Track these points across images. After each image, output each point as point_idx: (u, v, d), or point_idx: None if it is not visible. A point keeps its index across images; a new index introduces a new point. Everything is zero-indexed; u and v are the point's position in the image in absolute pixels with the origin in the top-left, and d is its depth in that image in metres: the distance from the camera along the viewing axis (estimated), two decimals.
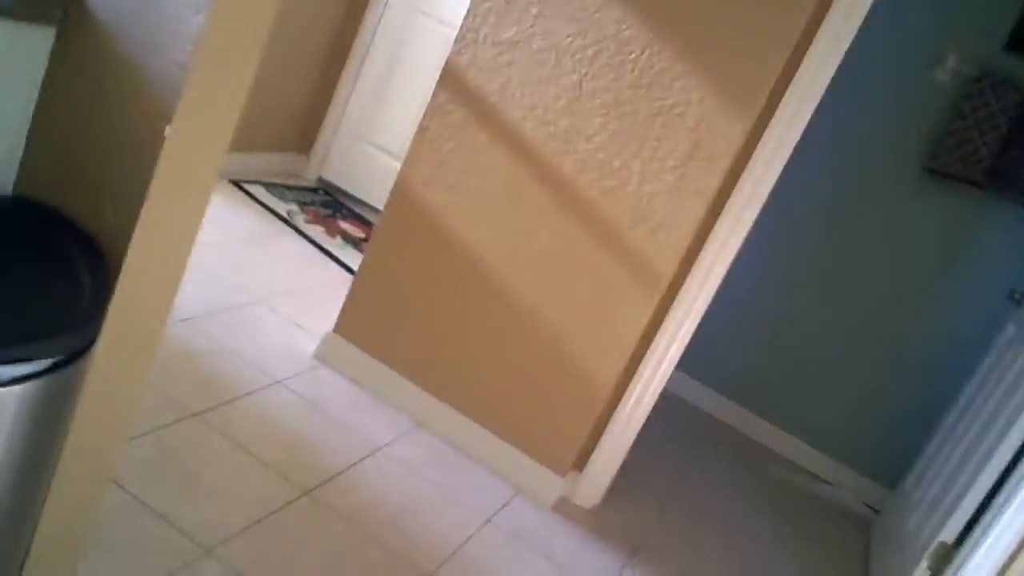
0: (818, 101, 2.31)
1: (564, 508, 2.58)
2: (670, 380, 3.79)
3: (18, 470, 1.18)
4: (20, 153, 1.10)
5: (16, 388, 0.95)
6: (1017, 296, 3.03)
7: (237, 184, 3.80)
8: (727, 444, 3.65)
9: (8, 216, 1.06)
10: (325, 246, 3.65)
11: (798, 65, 2.27)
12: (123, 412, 1.26)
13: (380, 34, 4.16)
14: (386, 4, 4.13)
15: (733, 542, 2.87)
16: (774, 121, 2.29)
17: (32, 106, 1.08)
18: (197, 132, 1.06)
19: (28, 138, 1.09)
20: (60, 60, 1.06)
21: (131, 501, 1.84)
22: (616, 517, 2.66)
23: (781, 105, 2.28)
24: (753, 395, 3.78)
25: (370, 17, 4.15)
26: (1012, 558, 2.26)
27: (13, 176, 1.10)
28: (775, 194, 2.69)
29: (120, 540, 1.73)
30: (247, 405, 2.35)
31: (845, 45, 2.27)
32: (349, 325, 2.68)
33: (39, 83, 1.07)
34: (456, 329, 2.55)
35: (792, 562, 2.95)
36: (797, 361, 3.69)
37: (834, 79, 2.35)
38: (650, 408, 2.55)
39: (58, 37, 1.05)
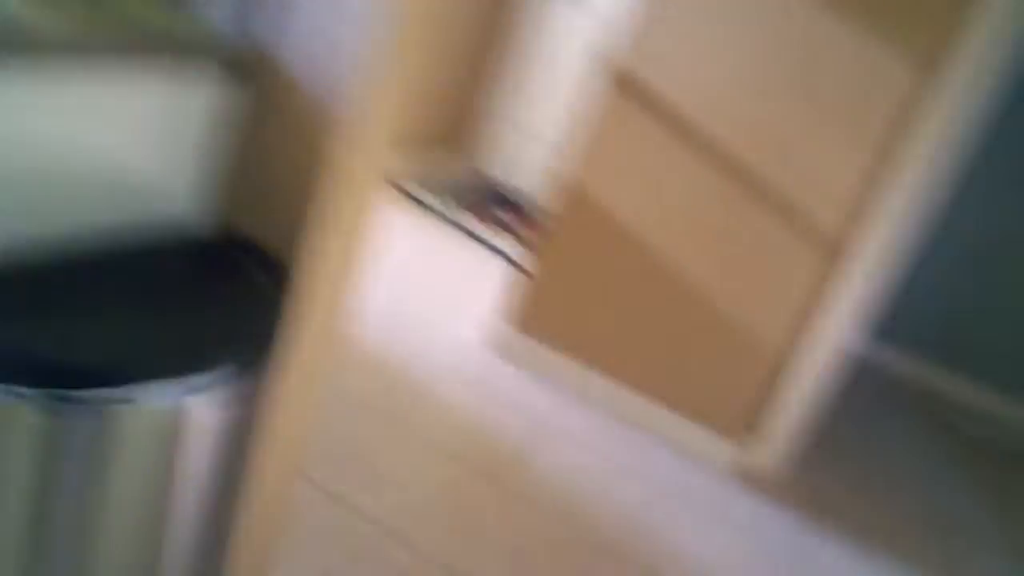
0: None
1: (741, 472, 2.59)
2: (857, 341, 3.68)
3: (224, 468, 1.35)
4: (216, 192, 1.25)
5: (216, 392, 1.08)
6: None
7: (396, 185, 3.98)
8: (915, 402, 3.54)
9: (208, 248, 1.20)
10: (485, 238, 3.77)
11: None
12: (308, 410, 1.40)
13: (529, 26, 4.21)
14: (549, 3, 4.17)
15: (931, 504, 2.79)
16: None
17: (227, 152, 1.23)
18: (363, 160, 1.18)
19: (224, 177, 1.24)
20: (252, 111, 1.21)
21: (317, 492, 1.98)
22: (799, 480, 2.65)
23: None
24: (941, 347, 3.63)
25: (520, 9, 4.20)
26: None
27: (211, 211, 1.25)
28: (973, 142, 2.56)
29: (310, 530, 1.86)
30: (424, 397, 2.48)
31: None
32: (517, 314, 2.79)
33: (235, 130, 1.22)
34: (620, 305, 2.60)
35: (996, 524, 2.83)
36: (990, 308, 3.51)
37: None
38: (831, 368, 2.50)
39: (254, 93, 1.20)
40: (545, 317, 2.74)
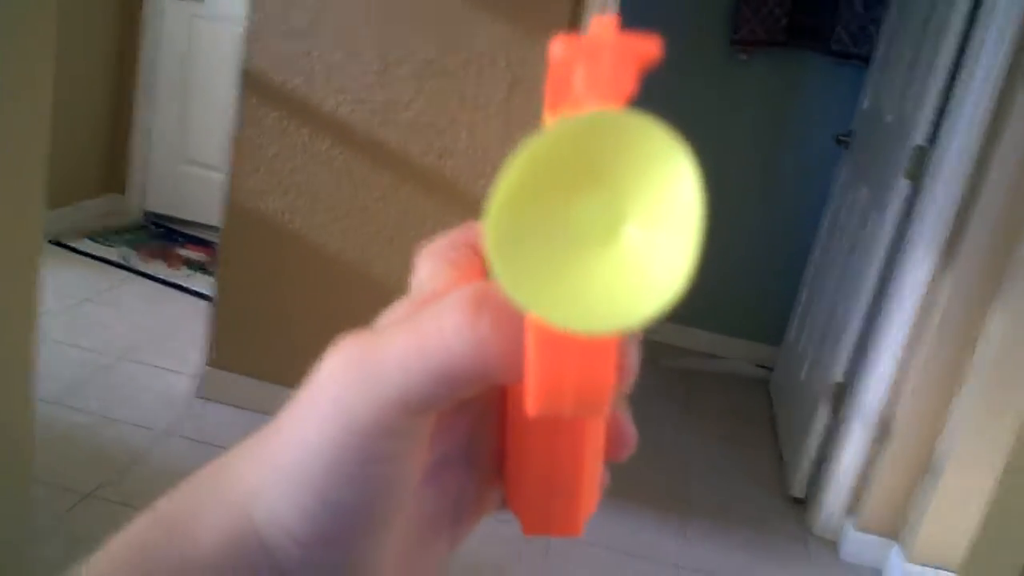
0: (618, 4, 2.34)
1: None
2: None
3: None
4: None
5: None
6: (842, 139, 3.19)
7: (60, 244, 3.59)
8: None
9: None
10: (171, 280, 3.50)
11: None
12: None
13: (164, 50, 3.95)
14: (162, 21, 3.92)
15: (649, 441, 2.98)
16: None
17: None
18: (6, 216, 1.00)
19: None
20: None
21: None
22: None
23: (584, 16, 2.30)
24: None
25: (148, 37, 3.93)
26: (899, 381, 2.43)
27: None
28: None
29: None
30: (141, 468, 2.25)
31: None
32: (220, 353, 2.60)
33: None
34: (324, 324, 2.50)
35: (704, 442, 3.08)
36: None
37: None
38: None
39: None
40: (240, 346, 2.57)
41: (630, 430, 0.28)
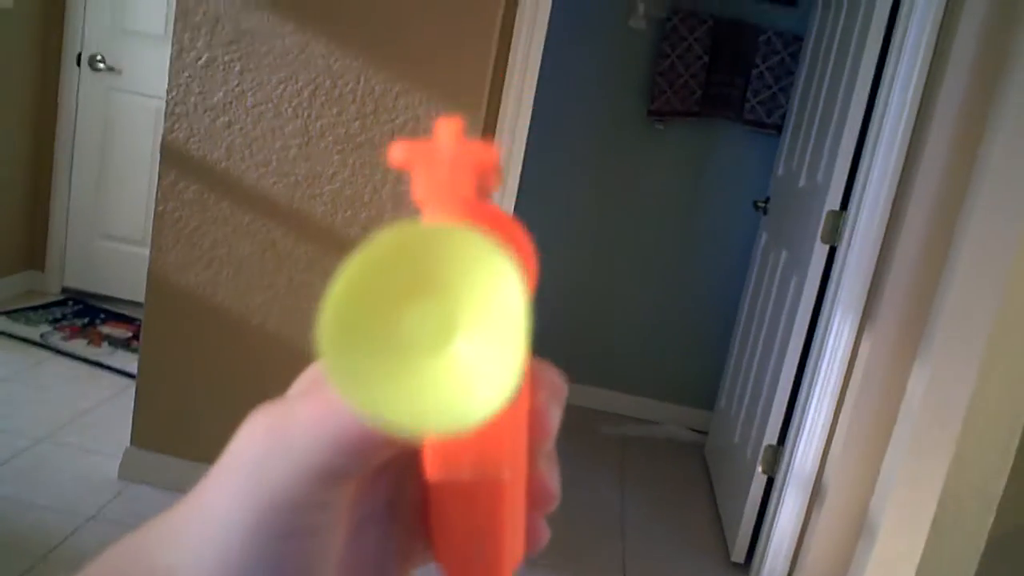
0: (536, 77, 2.39)
1: None
2: None
3: None
4: None
5: None
6: (760, 205, 3.27)
7: None
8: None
9: None
10: (93, 358, 3.41)
11: (508, 49, 2.33)
12: None
13: (82, 122, 3.91)
14: (78, 93, 3.88)
15: (587, 507, 2.95)
16: (503, 108, 2.35)
17: None
18: None
19: None
20: None
21: None
22: None
23: (505, 90, 2.34)
24: (561, 364, 3.88)
25: (65, 108, 3.89)
26: (829, 442, 2.46)
27: None
28: (527, 175, 2.76)
29: None
30: (64, 554, 2.16)
31: (545, 17, 2.35)
32: (145, 432, 2.52)
33: None
34: (251, 401, 2.44)
35: (644, 506, 3.07)
36: (589, 320, 3.83)
37: (547, 54, 2.43)
38: None
39: None
40: (165, 425, 2.49)
41: (553, 484, 0.29)
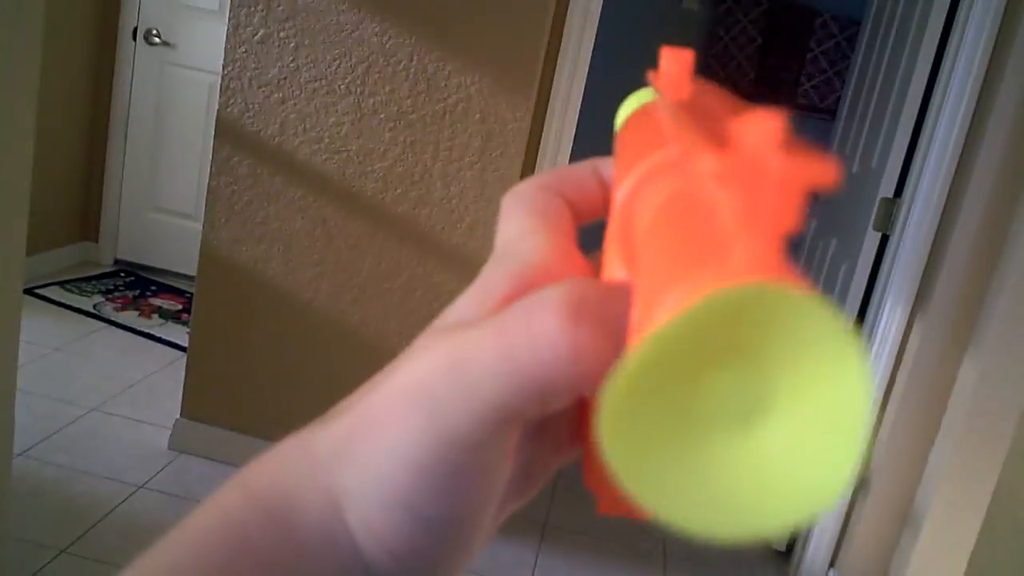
0: (588, 59, 2.37)
1: None
2: None
3: None
4: None
5: None
6: None
7: (31, 292, 3.55)
8: None
9: None
10: (144, 329, 3.47)
11: (561, 29, 2.32)
12: None
13: (136, 96, 3.97)
14: (133, 68, 3.94)
15: None
16: (554, 92, 2.34)
17: None
18: None
19: None
20: None
21: None
22: (514, 512, 2.68)
23: (557, 71, 2.33)
24: None
25: (121, 82, 3.95)
26: (876, 432, 2.43)
27: None
28: (576, 158, 2.75)
29: None
30: (114, 522, 2.21)
31: (599, 2, 2.34)
32: (194, 404, 2.57)
33: None
34: (299, 376, 2.48)
35: None
36: None
37: (599, 35, 2.42)
38: None
39: None
40: (214, 398, 2.54)
41: None
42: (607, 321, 0.21)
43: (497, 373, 0.22)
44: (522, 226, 0.26)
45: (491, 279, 0.25)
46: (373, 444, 0.24)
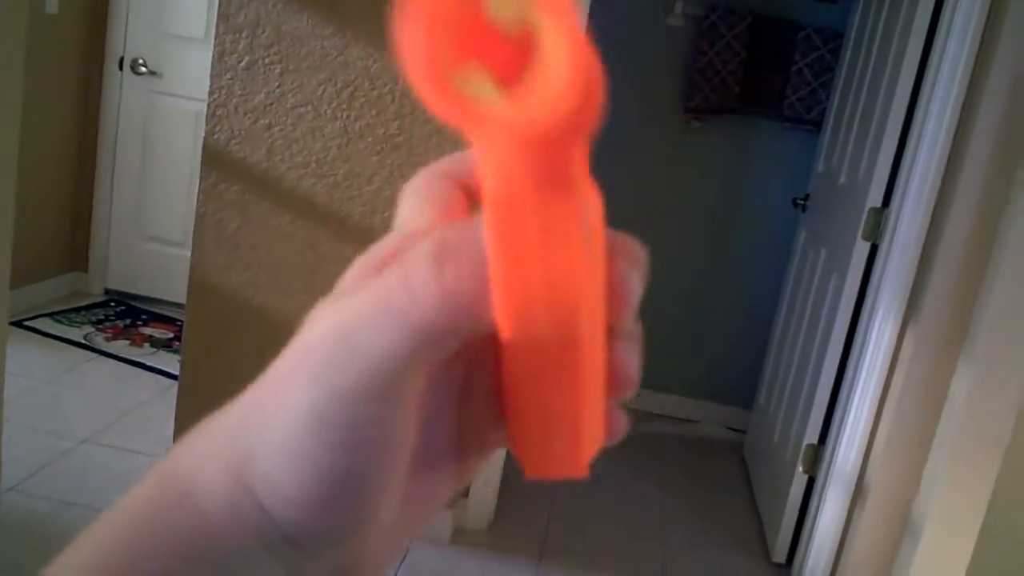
0: None
1: (462, 537, 2.56)
2: None
3: None
4: None
5: None
6: (799, 202, 3.24)
7: (20, 324, 3.53)
8: None
9: None
10: (135, 359, 3.45)
11: None
12: None
13: (123, 125, 3.97)
14: (120, 97, 3.94)
15: (624, 511, 2.94)
16: None
17: None
18: None
19: None
20: None
21: None
22: (513, 530, 2.67)
23: None
24: None
25: (108, 111, 3.95)
26: (871, 441, 2.43)
27: None
28: None
29: None
30: None
31: (584, 16, 2.35)
32: (187, 432, 2.54)
33: None
34: None
35: (683, 506, 3.05)
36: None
37: None
38: None
39: None
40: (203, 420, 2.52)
41: (631, 366, 0.28)
42: (469, 257, 0.23)
43: (382, 328, 0.24)
44: (410, 206, 0.29)
45: (374, 251, 0.28)
46: (273, 405, 0.26)
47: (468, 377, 0.30)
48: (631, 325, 0.27)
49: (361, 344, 0.24)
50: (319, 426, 0.24)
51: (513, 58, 0.21)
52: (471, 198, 0.29)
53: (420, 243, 0.24)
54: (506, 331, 0.23)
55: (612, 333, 0.27)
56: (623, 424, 0.29)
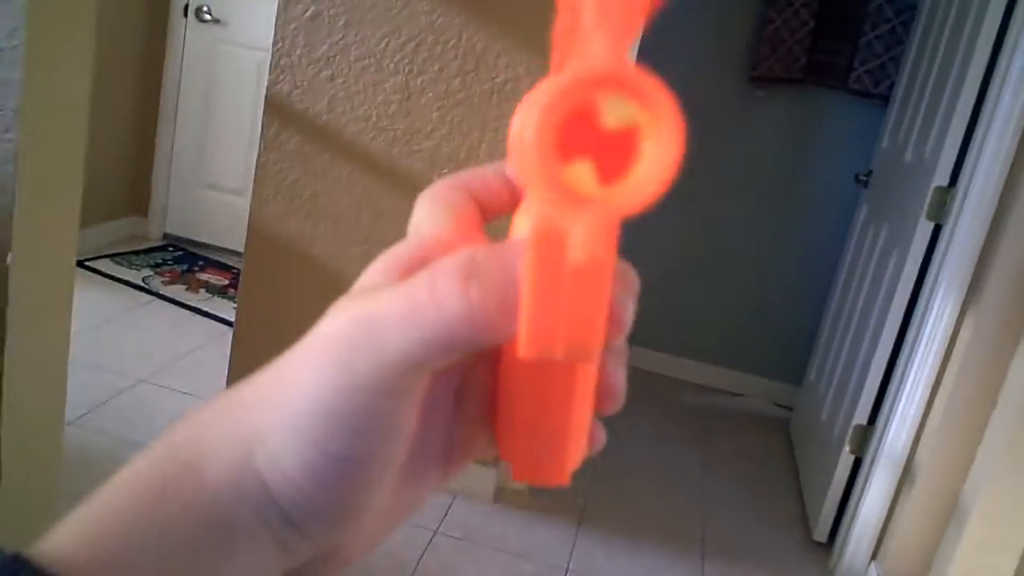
0: (638, 42, 2.35)
1: (505, 497, 2.58)
2: None
3: None
4: None
5: None
6: (862, 178, 3.18)
7: (82, 264, 3.61)
8: (636, 386, 3.73)
9: None
10: (191, 303, 3.52)
11: None
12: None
13: (187, 73, 4.01)
14: (184, 44, 3.98)
15: (667, 479, 2.95)
16: None
17: None
18: (39, 254, 1.00)
19: None
20: None
21: None
22: (554, 493, 2.68)
23: None
24: (648, 333, 3.85)
25: (171, 59, 3.99)
26: (923, 425, 2.40)
27: None
28: None
29: None
30: None
31: None
32: (240, 378, 2.58)
33: None
34: None
35: (725, 480, 3.05)
36: (680, 289, 3.78)
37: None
38: None
39: None
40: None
41: (620, 383, 0.29)
42: (496, 278, 0.25)
43: (403, 328, 0.25)
44: (427, 212, 0.30)
45: (396, 253, 0.29)
46: (288, 388, 0.27)
47: (463, 382, 0.31)
48: (622, 344, 0.29)
49: (382, 340, 0.25)
50: (331, 412, 0.26)
51: (613, 147, 0.23)
52: (484, 213, 0.31)
53: (450, 256, 0.26)
54: (523, 351, 0.25)
55: (604, 351, 0.28)
56: (602, 437, 0.31)
